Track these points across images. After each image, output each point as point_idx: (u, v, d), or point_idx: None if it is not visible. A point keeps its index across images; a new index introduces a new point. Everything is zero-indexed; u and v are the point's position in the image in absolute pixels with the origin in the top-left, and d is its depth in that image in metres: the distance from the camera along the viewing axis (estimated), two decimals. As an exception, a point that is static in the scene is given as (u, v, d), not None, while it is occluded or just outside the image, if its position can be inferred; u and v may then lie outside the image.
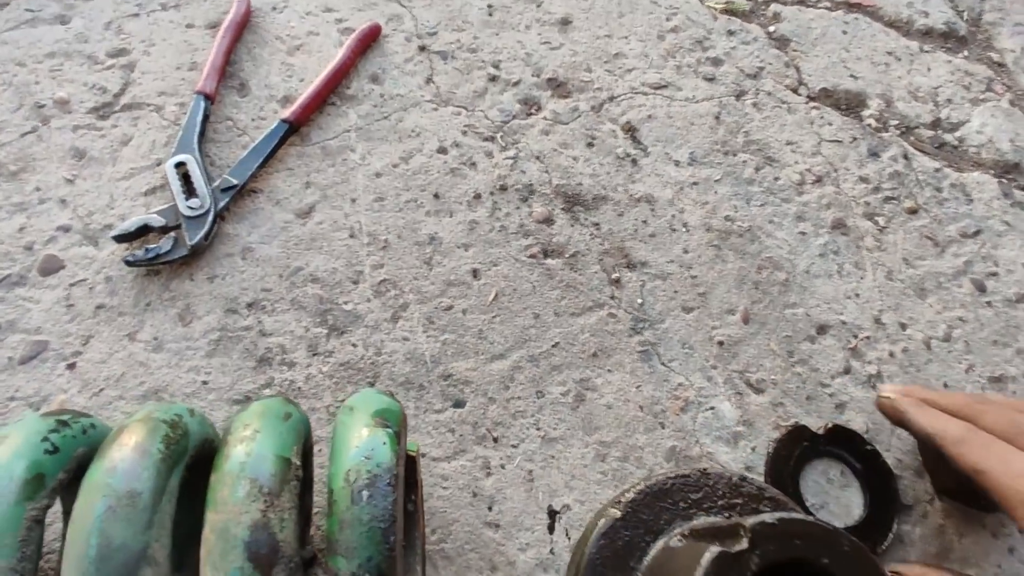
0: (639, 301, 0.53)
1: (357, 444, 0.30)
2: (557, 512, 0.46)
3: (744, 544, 0.29)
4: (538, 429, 0.48)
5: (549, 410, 0.49)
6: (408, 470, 0.41)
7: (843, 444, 0.48)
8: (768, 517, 0.30)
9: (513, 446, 0.48)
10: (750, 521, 0.30)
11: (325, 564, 0.28)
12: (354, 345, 0.50)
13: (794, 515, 0.30)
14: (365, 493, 0.28)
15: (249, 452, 0.30)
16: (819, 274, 0.56)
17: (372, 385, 0.49)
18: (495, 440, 0.48)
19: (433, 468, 0.47)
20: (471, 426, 0.48)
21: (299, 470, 0.31)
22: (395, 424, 0.32)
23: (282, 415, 0.33)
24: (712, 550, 0.29)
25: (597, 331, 0.52)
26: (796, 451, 0.48)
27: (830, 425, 0.49)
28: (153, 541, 0.26)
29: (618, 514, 0.37)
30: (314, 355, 0.50)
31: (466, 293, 0.52)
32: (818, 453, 0.48)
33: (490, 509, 0.46)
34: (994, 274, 0.58)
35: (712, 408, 0.50)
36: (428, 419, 0.48)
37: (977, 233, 0.60)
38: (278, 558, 0.28)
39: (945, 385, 0.53)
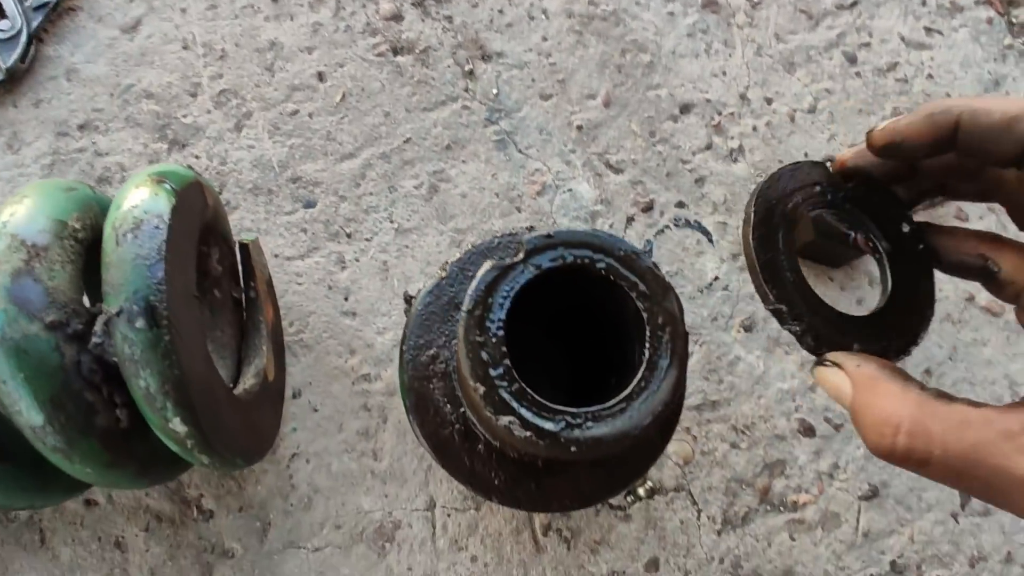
0: (494, 92, 0.51)
1: (127, 198, 0.30)
2: (413, 297, 0.47)
3: (519, 256, 0.30)
4: (391, 222, 0.48)
5: (402, 203, 0.48)
6: (243, 257, 0.41)
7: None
8: (544, 231, 0.30)
9: (367, 240, 0.47)
10: (527, 236, 0.30)
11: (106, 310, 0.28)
12: (197, 157, 0.48)
13: (576, 231, 0.31)
14: (130, 235, 0.28)
15: (14, 213, 0.29)
16: (685, 54, 0.54)
17: (220, 194, 0.47)
18: (348, 235, 0.47)
19: (287, 266, 0.46)
20: (323, 224, 0.47)
21: (78, 232, 0.30)
22: (177, 183, 0.31)
23: (64, 188, 0.32)
24: (487, 264, 0.30)
25: (450, 124, 0.50)
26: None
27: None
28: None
29: (443, 274, 0.38)
30: (156, 169, 0.48)
31: (312, 96, 0.50)
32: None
33: (346, 299, 0.46)
34: (866, 45, 0.57)
35: (570, 190, 0.50)
36: (279, 221, 0.47)
37: (854, 4, 0.58)
38: (48, 303, 0.27)
39: (806, 155, 0.53)
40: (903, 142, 0.24)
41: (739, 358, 0.47)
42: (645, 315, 0.29)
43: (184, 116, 0.49)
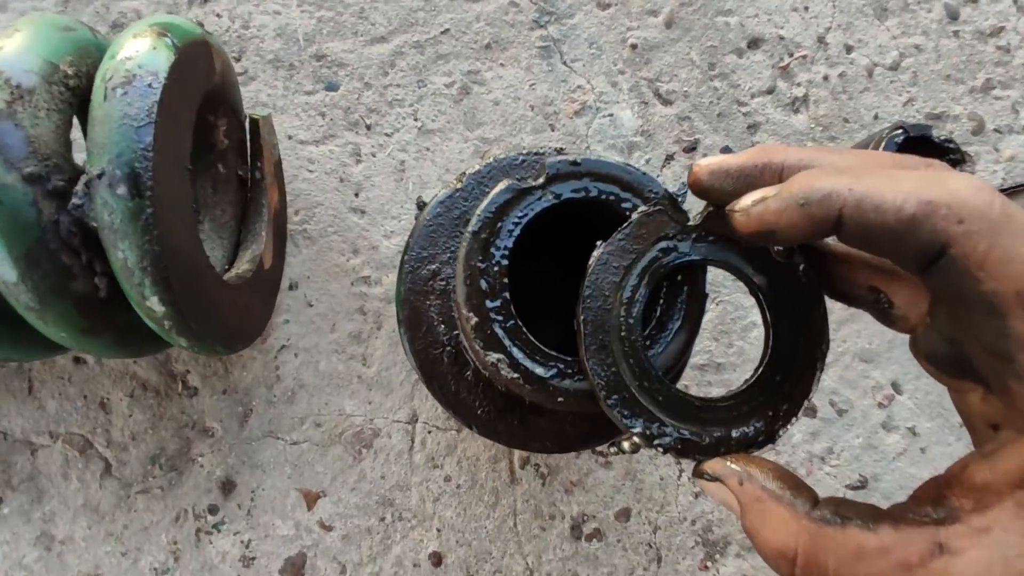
0: (548, -10, 0.46)
1: (122, 47, 0.27)
2: (426, 203, 0.44)
3: (540, 180, 0.27)
4: (415, 119, 0.45)
5: (430, 100, 0.45)
6: (252, 133, 0.38)
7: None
8: (572, 155, 0.27)
9: (387, 135, 0.44)
10: (551, 159, 0.27)
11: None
12: (219, 15, 0.44)
13: (606, 161, 0.27)
14: (119, 91, 0.25)
15: (2, 47, 0.27)
16: (768, -20, 0.48)
17: (237, 61, 0.44)
18: (368, 127, 0.44)
19: (300, 151, 0.44)
20: (343, 111, 0.44)
21: (69, 79, 0.27)
22: (180, 38, 0.28)
23: (61, 26, 0.29)
24: (503, 183, 0.27)
25: (495, 20, 0.46)
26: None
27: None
28: None
29: (459, 184, 0.35)
30: (173, 23, 0.44)
31: (349, -35, 0.45)
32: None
33: (357, 195, 0.44)
34: (974, 1, 0.50)
35: (611, 115, 0.46)
36: (297, 100, 0.44)
37: (971, -48, 0.51)
38: (28, 152, 0.25)
39: (876, 117, 0.48)
40: (777, 233, 0.18)
41: (755, 324, 0.45)
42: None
43: (208, -33, 0.45)
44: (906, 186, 0.16)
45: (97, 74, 0.27)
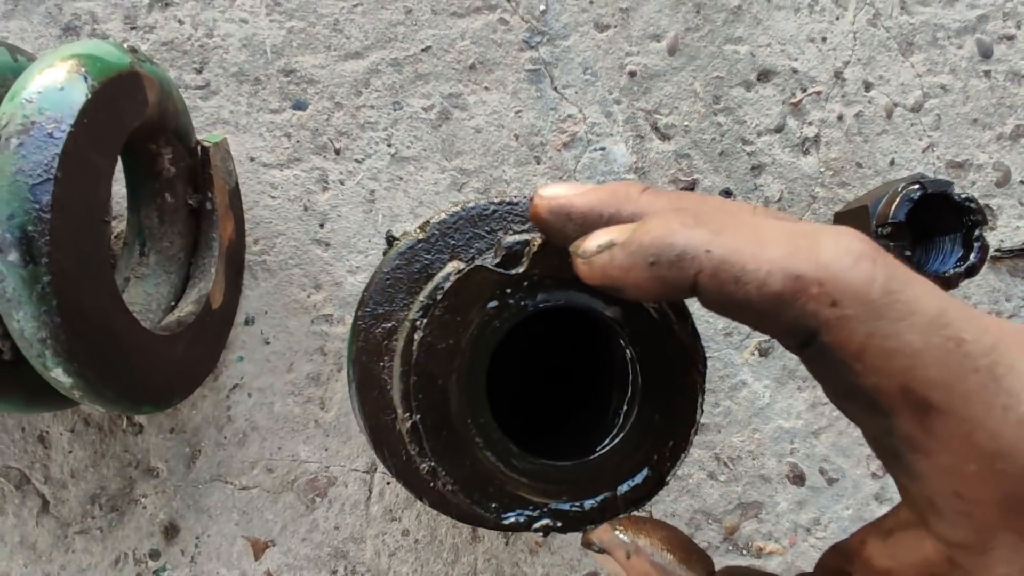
0: (541, 8, 0.42)
1: (26, 85, 0.23)
2: (396, 239, 0.41)
3: (520, 267, 0.23)
4: (389, 145, 0.41)
5: (405, 125, 0.41)
6: (203, 162, 0.35)
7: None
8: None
9: (357, 161, 0.41)
10: (507, 239, 0.23)
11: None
12: (180, 21, 0.41)
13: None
14: (14, 141, 0.22)
15: None
16: (784, 5, 0.44)
17: (199, 73, 0.41)
18: (337, 152, 0.41)
19: (262, 175, 0.41)
20: (311, 132, 0.41)
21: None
22: (99, 73, 0.25)
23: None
24: (451, 266, 0.24)
25: (480, 39, 0.42)
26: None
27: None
28: None
29: (421, 236, 0.32)
30: (132, 28, 0.41)
31: (326, -29, 0.42)
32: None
33: (322, 226, 0.41)
34: (1009, 38, 0.46)
35: (603, 149, 0.42)
36: (261, 119, 0.41)
37: (1011, -19, 0.46)
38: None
39: (892, 163, 0.44)
40: (624, 291, 0.16)
41: (744, 383, 0.42)
42: (638, 377, 0.23)
43: (173, -33, 0.41)
44: (772, 252, 0.13)
45: (-1, 115, 0.23)
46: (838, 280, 0.13)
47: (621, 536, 0.18)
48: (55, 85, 0.23)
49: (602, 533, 0.19)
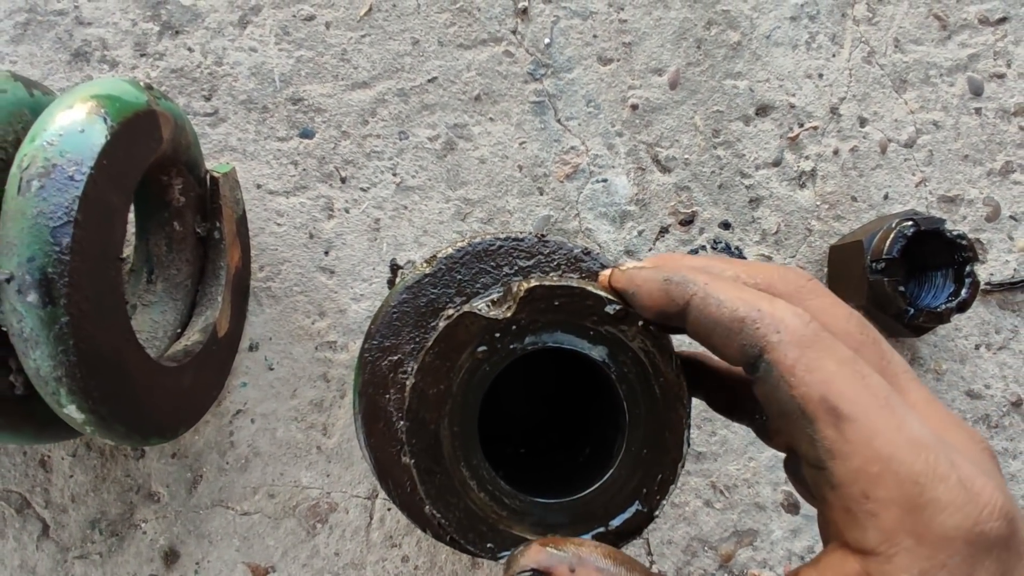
0: (546, 42, 0.43)
1: (47, 127, 0.24)
2: (400, 267, 0.42)
3: (505, 310, 0.24)
4: (394, 175, 0.42)
5: (411, 155, 0.42)
6: (212, 191, 0.35)
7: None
8: (549, 280, 0.24)
9: (363, 189, 0.42)
10: (529, 284, 0.24)
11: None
12: (190, 49, 0.41)
13: (574, 282, 0.24)
14: (35, 183, 0.22)
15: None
16: (782, 42, 0.45)
17: (208, 100, 0.41)
18: (343, 180, 0.41)
19: (268, 202, 0.41)
20: (317, 160, 0.41)
21: (-7, 150, 0.25)
22: (117, 113, 0.25)
23: (-10, 85, 0.26)
24: (449, 314, 0.24)
25: (486, 71, 0.43)
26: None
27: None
28: None
29: (428, 270, 0.32)
30: (141, 56, 0.41)
31: (333, 2, 0.42)
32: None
33: (327, 254, 0.41)
34: (999, 76, 0.47)
35: (605, 180, 0.43)
36: (269, 146, 0.41)
37: (1002, 21, 0.48)
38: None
39: (886, 197, 0.45)
40: (635, 296, 0.21)
41: (742, 413, 0.42)
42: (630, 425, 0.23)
43: (183, -5, 0.42)
44: (746, 296, 0.18)
45: (15, 157, 0.24)
46: (784, 319, 0.18)
47: (557, 552, 0.19)
48: (75, 127, 0.24)
49: (535, 555, 0.19)
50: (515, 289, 0.22)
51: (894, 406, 0.16)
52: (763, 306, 0.18)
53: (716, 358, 0.21)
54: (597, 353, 0.22)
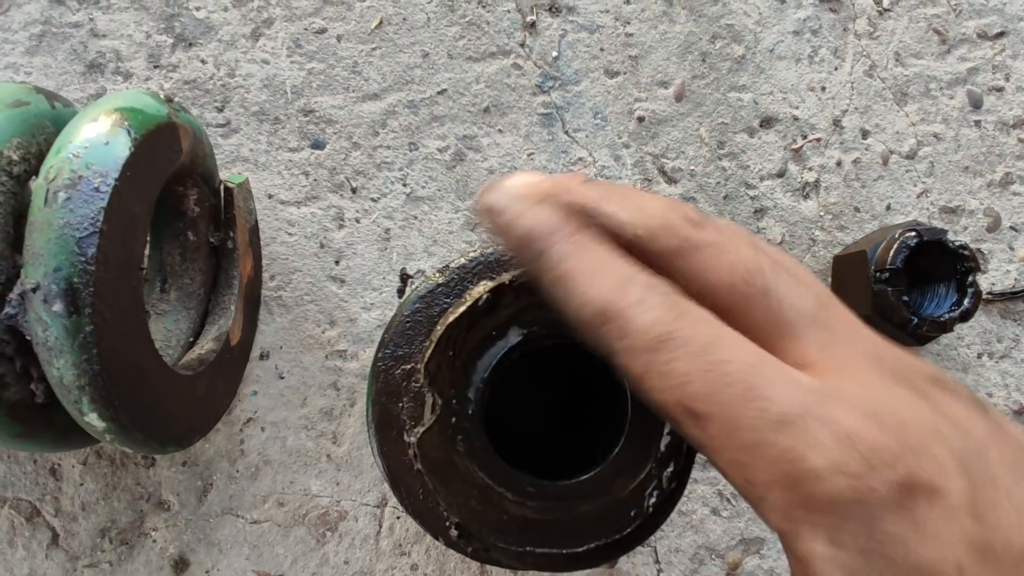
0: (554, 55, 0.44)
1: (72, 139, 0.24)
2: (410, 276, 0.42)
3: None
4: (404, 185, 0.42)
5: (421, 165, 0.42)
6: (226, 202, 0.36)
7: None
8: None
9: (373, 199, 0.42)
10: (507, 278, 0.25)
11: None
12: (203, 61, 0.42)
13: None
14: (62, 195, 0.23)
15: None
16: (785, 56, 0.46)
17: (220, 112, 0.42)
18: (354, 190, 0.42)
19: (279, 211, 0.41)
20: (328, 171, 0.42)
21: (14, 165, 0.25)
22: (140, 125, 0.26)
23: (11, 101, 0.26)
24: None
25: (495, 83, 0.43)
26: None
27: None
28: None
29: (441, 280, 0.33)
30: (155, 67, 0.42)
31: (344, 16, 0.43)
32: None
33: (337, 263, 0.41)
34: (998, 89, 0.48)
35: (611, 192, 0.44)
36: (280, 157, 0.42)
37: (1000, 35, 0.49)
38: (-36, 250, 0.23)
39: (888, 208, 0.46)
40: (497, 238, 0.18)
41: (748, 421, 0.43)
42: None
43: (197, 8, 0.42)
44: (604, 281, 0.16)
45: (41, 169, 0.24)
46: (629, 321, 0.16)
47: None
48: (100, 139, 0.24)
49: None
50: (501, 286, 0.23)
51: (758, 386, 0.15)
52: (613, 298, 0.16)
53: None
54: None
